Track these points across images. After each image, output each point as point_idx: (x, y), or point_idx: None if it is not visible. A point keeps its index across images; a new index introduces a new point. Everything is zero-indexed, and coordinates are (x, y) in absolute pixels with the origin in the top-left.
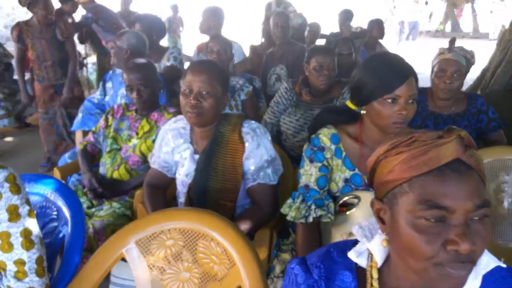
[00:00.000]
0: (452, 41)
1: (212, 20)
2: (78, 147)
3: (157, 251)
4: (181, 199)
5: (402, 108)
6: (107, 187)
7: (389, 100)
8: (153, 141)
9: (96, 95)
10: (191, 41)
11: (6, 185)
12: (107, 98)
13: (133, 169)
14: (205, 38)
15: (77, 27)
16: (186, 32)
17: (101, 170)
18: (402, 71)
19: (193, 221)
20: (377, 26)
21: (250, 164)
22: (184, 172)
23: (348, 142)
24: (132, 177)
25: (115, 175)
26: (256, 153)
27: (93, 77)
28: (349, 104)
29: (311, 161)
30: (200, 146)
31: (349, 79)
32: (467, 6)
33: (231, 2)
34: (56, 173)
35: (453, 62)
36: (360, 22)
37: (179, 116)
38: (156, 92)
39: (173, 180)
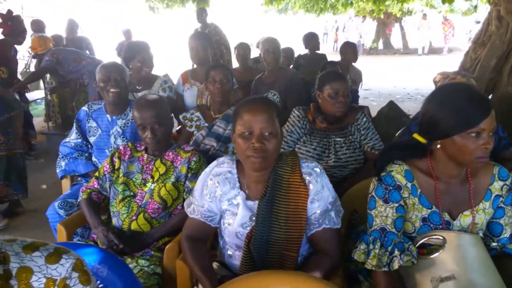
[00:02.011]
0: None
1: (205, 48)
2: (81, 195)
3: None
4: (230, 251)
5: (487, 142)
6: (127, 241)
7: (473, 134)
8: (173, 184)
9: (71, 139)
10: None
11: (75, 275)
12: (92, 139)
13: (154, 218)
14: (179, 63)
15: (38, 73)
16: None
17: (115, 221)
18: (485, 103)
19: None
20: (351, 50)
21: (316, 208)
22: (238, 222)
23: (421, 178)
24: (153, 227)
25: (134, 226)
26: (321, 196)
27: (40, 107)
28: (418, 137)
29: (386, 201)
30: (254, 191)
31: (362, 105)
32: (396, 25)
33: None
34: (61, 231)
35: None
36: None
37: (221, 159)
38: (170, 129)
39: (215, 230)
